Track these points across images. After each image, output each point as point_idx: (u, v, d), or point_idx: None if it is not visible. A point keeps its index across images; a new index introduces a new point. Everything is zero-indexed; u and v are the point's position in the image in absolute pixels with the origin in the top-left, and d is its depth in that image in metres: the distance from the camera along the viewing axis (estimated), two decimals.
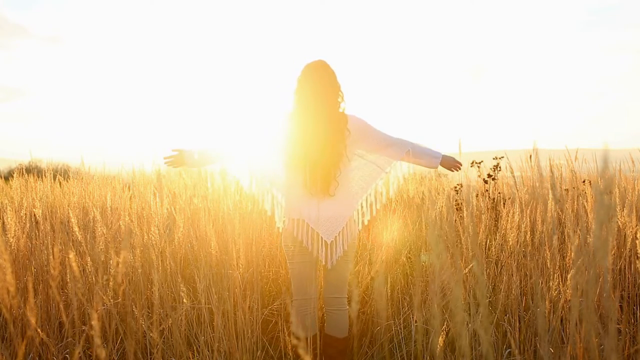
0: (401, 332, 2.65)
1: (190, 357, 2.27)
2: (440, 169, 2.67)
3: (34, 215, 3.24)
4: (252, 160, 2.53)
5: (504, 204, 3.30)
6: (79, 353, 2.05)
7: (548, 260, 2.21)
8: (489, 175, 3.66)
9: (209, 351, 2.37)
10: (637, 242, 2.23)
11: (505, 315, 2.43)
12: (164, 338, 2.39)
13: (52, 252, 2.54)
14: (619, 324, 2.25)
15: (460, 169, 2.65)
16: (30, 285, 1.26)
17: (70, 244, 2.85)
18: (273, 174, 2.52)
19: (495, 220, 3.30)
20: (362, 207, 2.56)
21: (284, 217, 2.48)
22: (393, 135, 2.54)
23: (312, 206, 2.38)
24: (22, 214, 3.19)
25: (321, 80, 2.39)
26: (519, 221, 2.58)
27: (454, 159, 2.62)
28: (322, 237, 2.36)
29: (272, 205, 2.53)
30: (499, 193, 3.63)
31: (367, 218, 2.58)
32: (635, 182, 3.68)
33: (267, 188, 2.54)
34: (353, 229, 2.45)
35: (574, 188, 3.28)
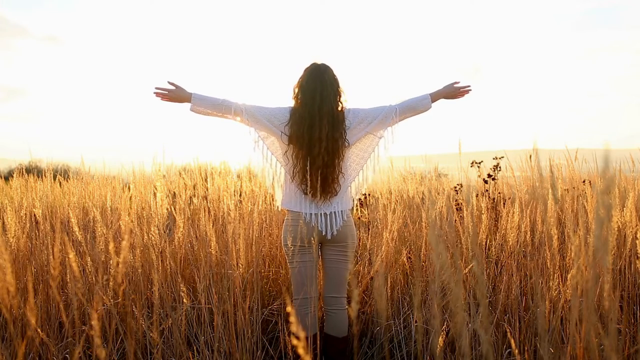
0: (401, 332, 2.65)
1: (190, 357, 2.27)
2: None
3: (34, 215, 3.24)
4: (258, 126, 2.46)
5: (504, 204, 3.30)
6: (79, 353, 2.05)
7: (548, 260, 2.21)
8: (489, 175, 3.66)
9: (209, 351, 2.37)
10: (637, 242, 2.23)
11: (505, 315, 2.43)
12: (164, 338, 2.39)
13: (52, 252, 2.54)
14: (619, 324, 2.25)
15: (467, 91, 2.60)
16: (30, 285, 1.26)
17: (70, 244, 2.85)
18: (275, 151, 2.51)
19: (495, 220, 3.30)
20: (359, 176, 2.57)
21: (283, 206, 2.48)
22: (384, 104, 2.54)
23: (310, 201, 2.40)
24: (22, 214, 3.19)
25: (321, 84, 2.37)
26: (519, 221, 2.58)
27: (449, 85, 2.59)
28: (321, 209, 2.40)
29: (273, 182, 2.52)
30: (499, 193, 3.63)
31: (367, 186, 2.60)
32: (635, 182, 3.67)
33: (270, 158, 2.51)
34: (350, 201, 2.50)
35: (574, 188, 3.28)
